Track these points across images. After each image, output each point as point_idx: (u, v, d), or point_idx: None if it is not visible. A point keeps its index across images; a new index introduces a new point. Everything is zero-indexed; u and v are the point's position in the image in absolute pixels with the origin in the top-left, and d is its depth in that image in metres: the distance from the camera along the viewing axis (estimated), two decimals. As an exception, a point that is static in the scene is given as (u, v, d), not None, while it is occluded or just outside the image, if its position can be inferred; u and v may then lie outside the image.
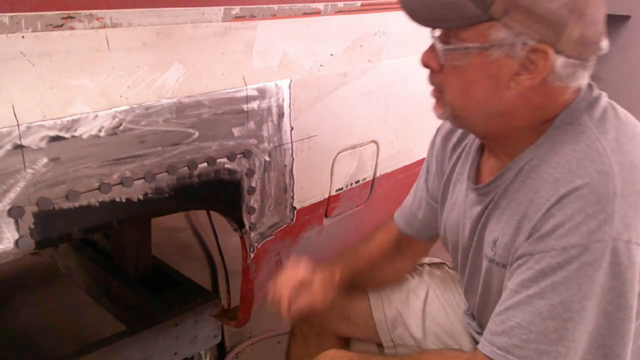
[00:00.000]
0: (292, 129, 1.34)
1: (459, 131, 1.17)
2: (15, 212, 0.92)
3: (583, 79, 0.90)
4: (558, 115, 0.93)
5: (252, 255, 1.37)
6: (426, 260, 1.46)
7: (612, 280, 0.84)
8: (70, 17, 0.97)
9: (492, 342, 0.91)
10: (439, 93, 0.97)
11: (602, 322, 0.86)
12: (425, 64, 0.96)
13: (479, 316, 1.16)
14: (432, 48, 0.94)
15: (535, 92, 0.90)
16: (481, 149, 1.10)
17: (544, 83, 0.88)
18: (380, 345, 1.37)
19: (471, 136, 1.13)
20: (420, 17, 0.90)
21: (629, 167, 0.85)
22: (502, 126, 0.95)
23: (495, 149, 1.03)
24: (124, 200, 1.06)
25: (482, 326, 1.17)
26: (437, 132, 1.26)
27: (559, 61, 0.85)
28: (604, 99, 0.96)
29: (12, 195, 0.91)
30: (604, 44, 0.88)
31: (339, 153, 1.52)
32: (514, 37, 0.84)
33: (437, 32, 0.92)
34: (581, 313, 0.85)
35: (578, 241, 0.83)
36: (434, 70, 0.95)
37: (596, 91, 0.96)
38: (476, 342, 1.23)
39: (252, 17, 1.26)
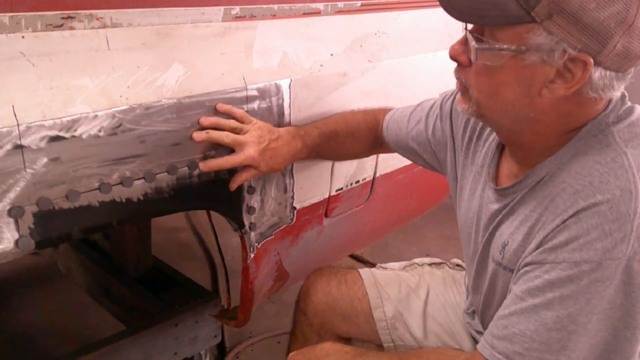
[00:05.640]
0: (292, 129, 1.34)
1: None
2: (15, 212, 0.92)
3: (618, 91, 0.86)
4: (585, 125, 0.89)
5: (252, 255, 1.37)
6: (426, 260, 1.46)
7: (622, 298, 0.83)
8: (70, 17, 0.97)
9: (493, 345, 0.91)
10: (465, 88, 0.93)
11: (610, 338, 0.85)
12: (454, 58, 0.92)
13: (482, 314, 1.16)
14: (463, 41, 0.90)
15: (566, 101, 0.86)
16: (502, 147, 1.07)
17: (577, 93, 0.84)
18: (380, 346, 1.37)
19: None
20: (456, 10, 0.85)
21: None
22: (526, 131, 0.92)
23: (517, 152, 1.00)
24: (124, 200, 1.06)
25: (484, 324, 1.17)
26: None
27: (597, 72, 0.81)
28: (637, 111, 0.91)
29: (12, 195, 0.91)
30: None
31: (339, 153, 1.52)
32: (554, 43, 0.80)
33: (471, 26, 0.88)
34: (586, 326, 0.84)
35: (591, 257, 0.82)
36: (461, 65, 0.91)
37: (628, 103, 0.92)
38: (476, 342, 1.23)
39: (252, 17, 1.26)
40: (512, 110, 0.89)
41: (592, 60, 0.80)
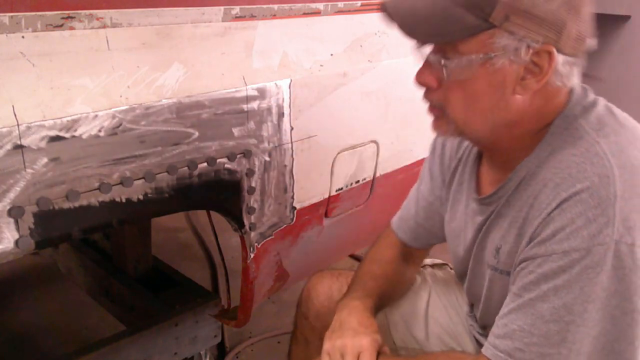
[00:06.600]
0: (292, 129, 1.34)
1: (457, 139, 1.14)
2: (15, 212, 0.92)
3: (577, 77, 0.91)
4: (553, 121, 0.92)
5: (252, 255, 1.37)
6: (428, 261, 1.45)
7: (616, 284, 0.83)
8: (70, 17, 0.97)
9: (495, 345, 0.91)
10: (440, 110, 0.94)
11: (609, 327, 0.86)
12: (423, 83, 0.93)
13: (482, 321, 1.16)
14: (427, 65, 0.91)
15: (536, 97, 0.89)
16: (479, 158, 1.09)
17: (546, 84, 0.88)
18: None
19: (468, 144, 1.12)
20: (417, 33, 0.87)
21: (629, 170, 0.85)
22: (505, 136, 0.94)
23: (496, 159, 1.02)
24: (124, 200, 1.06)
25: (485, 329, 1.17)
26: (435, 138, 1.25)
27: (560, 60, 0.86)
28: (601, 102, 0.95)
29: (12, 195, 0.91)
30: (593, 40, 0.89)
31: (339, 153, 1.52)
32: (518, 41, 0.83)
33: (429, 48, 0.90)
34: (583, 315, 0.84)
35: (579, 245, 0.83)
36: (431, 88, 0.92)
37: (591, 95, 0.95)
38: (478, 344, 1.23)
39: (252, 17, 1.26)
40: (491, 117, 0.91)
41: (555, 50, 0.84)
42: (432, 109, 0.95)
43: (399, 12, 0.86)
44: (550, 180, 0.89)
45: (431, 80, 0.91)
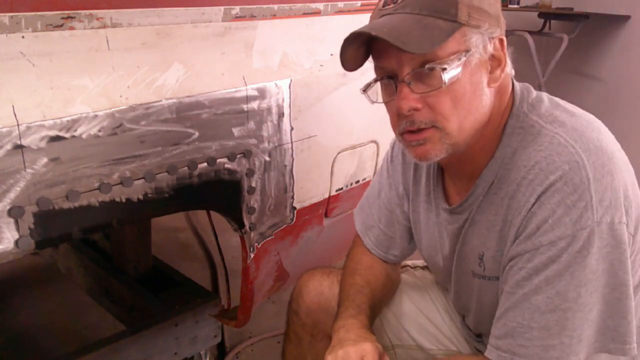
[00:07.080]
0: (292, 129, 1.34)
1: None
2: (15, 212, 0.92)
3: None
4: (507, 122, 0.96)
5: (252, 255, 1.37)
6: (419, 263, 1.45)
7: (602, 264, 0.86)
8: (70, 17, 0.97)
9: (498, 346, 0.92)
10: (430, 130, 0.92)
11: (602, 307, 0.88)
12: (410, 107, 0.90)
13: (477, 330, 1.17)
14: (407, 89, 0.90)
15: (496, 90, 0.95)
16: (440, 170, 1.09)
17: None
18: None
19: None
20: (409, 43, 0.86)
21: (594, 152, 0.88)
22: (479, 139, 0.95)
23: (462, 168, 1.02)
24: (124, 200, 1.06)
25: (481, 337, 1.17)
26: (393, 147, 1.24)
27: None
28: (545, 97, 0.98)
29: (12, 195, 0.91)
30: None
31: (339, 153, 1.52)
32: (482, 35, 0.90)
33: (407, 70, 0.90)
34: (577, 301, 0.86)
35: (564, 232, 0.85)
36: (417, 110, 0.91)
37: (534, 92, 0.99)
38: (477, 349, 1.23)
39: (252, 17, 1.26)
40: (478, 116, 0.93)
41: (504, 38, 0.93)
42: (420, 134, 0.92)
43: (384, 32, 0.88)
44: (523, 178, 0.91)
45: (417, 101, 0.90)
